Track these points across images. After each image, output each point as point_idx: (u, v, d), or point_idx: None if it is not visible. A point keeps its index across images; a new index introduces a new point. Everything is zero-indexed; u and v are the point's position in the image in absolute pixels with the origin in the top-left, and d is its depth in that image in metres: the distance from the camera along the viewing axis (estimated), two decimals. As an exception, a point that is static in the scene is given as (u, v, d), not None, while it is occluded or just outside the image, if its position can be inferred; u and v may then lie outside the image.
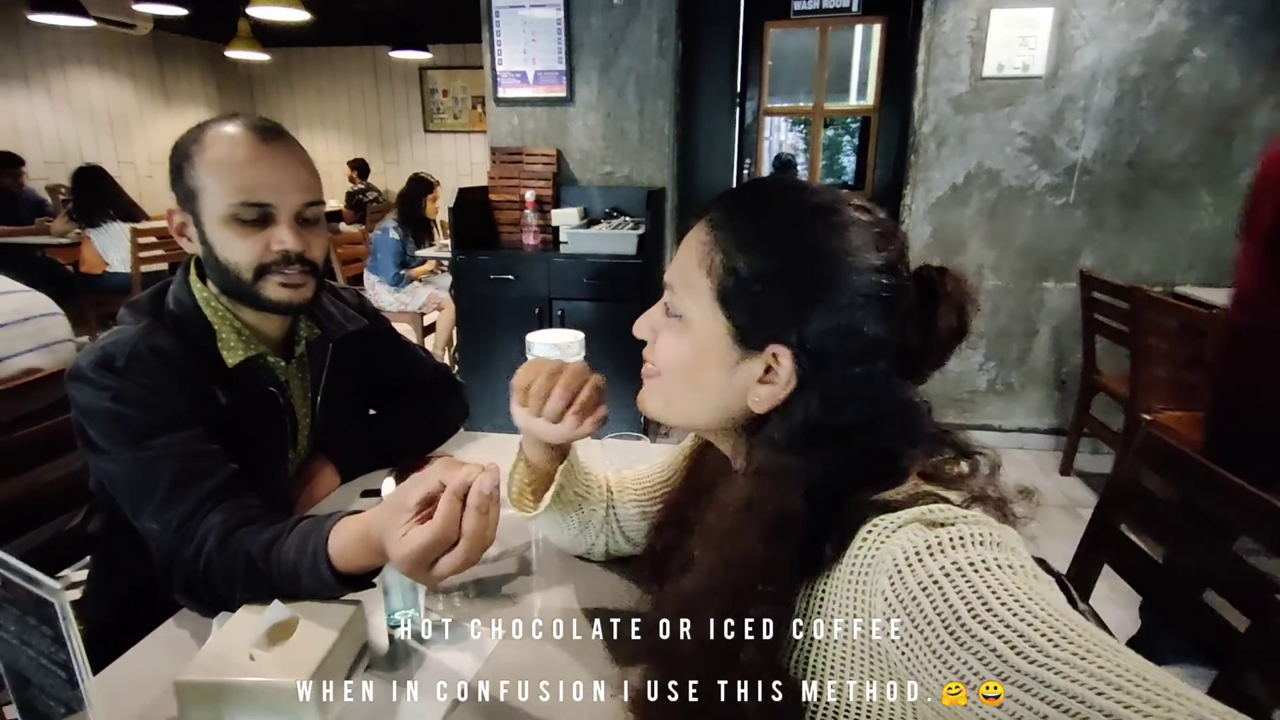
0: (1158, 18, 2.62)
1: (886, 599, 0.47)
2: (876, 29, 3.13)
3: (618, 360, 3.11)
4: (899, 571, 0.47)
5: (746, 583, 0.53)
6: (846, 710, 0.52)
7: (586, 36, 3.03)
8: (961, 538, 0.47)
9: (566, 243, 2.92)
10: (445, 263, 4.08)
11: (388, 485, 0.78)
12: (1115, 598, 1.07)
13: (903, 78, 3.05)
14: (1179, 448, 1.03)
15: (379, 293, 3.92)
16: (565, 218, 3.00)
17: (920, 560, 0.46)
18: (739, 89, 3.28)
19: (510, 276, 2.85)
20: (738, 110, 3.31)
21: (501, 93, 3.15)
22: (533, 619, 0.81)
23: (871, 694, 0.50)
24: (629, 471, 0.90)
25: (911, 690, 0.48)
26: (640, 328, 0.65)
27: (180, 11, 4.50)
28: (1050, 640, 0.41)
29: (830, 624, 0.52)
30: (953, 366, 3.16)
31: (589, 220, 3.07)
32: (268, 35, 5.55)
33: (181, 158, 0.91)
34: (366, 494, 1.08)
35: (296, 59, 7.37)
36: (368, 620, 0.75)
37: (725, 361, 0.57)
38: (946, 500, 0.51)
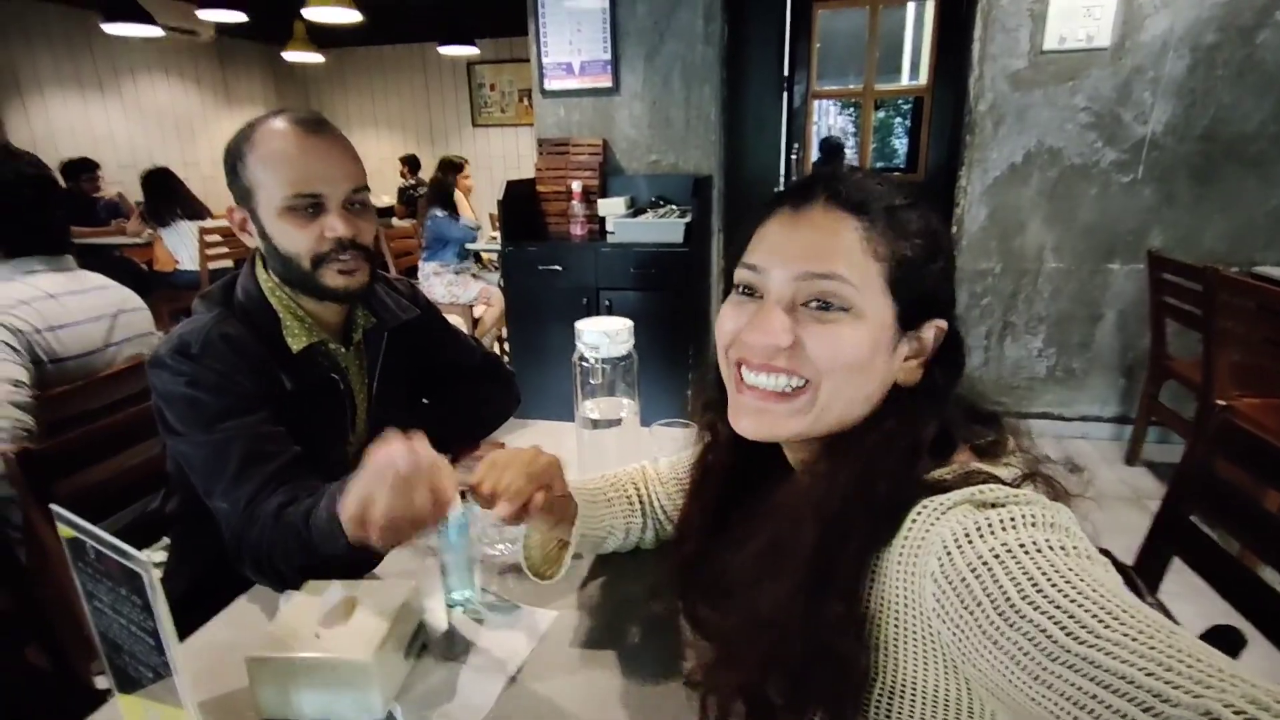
0: (1235, -19, 2.47)
1: (936, 580, 0.47)
2: (929, 5, 3.03)
3: (665, 348, 3.10)
4: (948, 553, 0.47)
5: (841, 535, 0.53)
6: (902, 692, 0.52)
7: (631, 25, 3.02)
8: (1013, 519, 0.46)
9: (613, 232, 2.93)
10: (495, 257, 4.15)
11: (444, 470, 0.80)
12: (1184, 593, 1.02)
13: (957, 55, 2.94)
14: (1258, 434, 0.98)
15: (433, 285, 4.01)
16: (612, 207, 3.01)
17: (970, 542, 0.46)
18: (786, 73, 3.22)
19: (558, 267, 2.88)
20: (785, 94, 3.25)
21: (548, 85, 3.17)
22: (585, 600, 0.83)
23: (926, 676, 0.50)
24: (665, 461, 0.91)
25: (964, 673, 0.48)
26: (773, 333, 0.55)
27: (241, 17, 4.67)
28: (1101, 621, 0.40)
29: (882, 606, 0.52)
30: (1009, 352, 3.07)
31: (635, 209, 3.08)
32: (322, 36, 5.70)
33: (235, 157, 0.95)
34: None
35: (349, 59, 7.55)
36: (424, 601, 0.78)
37: (891, 345, 0.57)
38: (996, 478, 0.51)
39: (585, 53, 3.08)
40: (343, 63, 7.55)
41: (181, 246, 4.14)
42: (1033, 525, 0.46)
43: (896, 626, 0.51)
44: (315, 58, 5.85)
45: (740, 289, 0.60)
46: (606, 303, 2.81)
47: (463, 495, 0.85)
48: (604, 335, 0.99)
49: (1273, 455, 0.94)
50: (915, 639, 0.50)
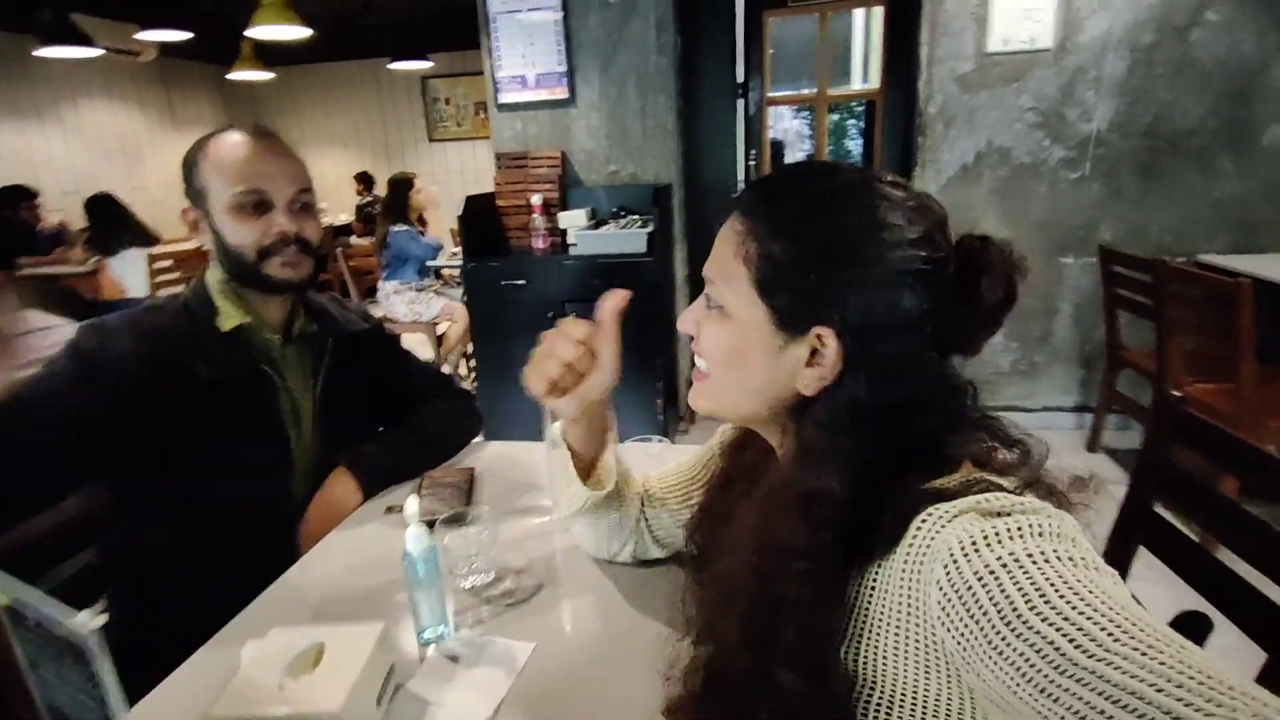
0: (1167, -18, 2.56)
1: (942, 589, 0.46)
2: (877, 11, 3.09)
3: (632, 359, 3.06)
4: (954, 562, 0.46)
5: (780, 562, 0.53)
6: (903, 701, 0.51)
7: (585, 36, 3.02)
8: (1020, 528, 0.45)
9: (576, 244, 2.91)
10: (456, 273, 4.09)
11: (410, 503, 0.78)
12: (1153, 575, 1.04)
13: (906, 59, 3.00)
14: (1211, 421, 1.01)
15: (394, 303, 3.94)
16: (573, 219, 2.99)
17: (977, 550, 0.45)
18: (741, 80, 3.25)
19: (521, 281, 2.85)
20: (741, 101, 3.28)
21: (503, 98, 3.15)
22: (562, 630, 0.81)
23: (928, 686, 0.49)
24: (654, 474, 0.89)
25: (968, 682, 0.47)
26: (684, 323, 0.64)
27: (184, 36, 4.55)
28: (1110, 634, 0.39)
29: (883, 614, 0.51)
30: (972, 348, 3.12)
31: (597, 221, 3.06)
32: (271, 55, 5.60)
33: (191, 163, 1.05)
34: (391, 510, 1.08)
35: (300, 76, 7.42)
36: (396, 640, 0.75)
37: (769, 347, 0.57)
38: (1000, 487, 0.50)
39: (539, 65, 3.06)
40: (293, 81, 7.42)
41: (129, 274, 4.00)
42: (1040, 535, 0.45)
43: (897, 635, 0.50)
44: (264, 76, 5.75)
45: None
46: (572, 315, 2.79)
47: (430, 525, 0.82)
48: (570, 355, 0.97)
49: (1225, 441, 0.97)
50: (917, 648, 0.49)
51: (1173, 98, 2.66)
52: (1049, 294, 2.94)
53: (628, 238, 2.80)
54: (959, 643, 0.46)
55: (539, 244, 2.96)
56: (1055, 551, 0.44)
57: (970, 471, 0.53)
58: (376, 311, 4.14)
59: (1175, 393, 1.08)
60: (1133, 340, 2.65)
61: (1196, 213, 2.75)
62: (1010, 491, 0.50)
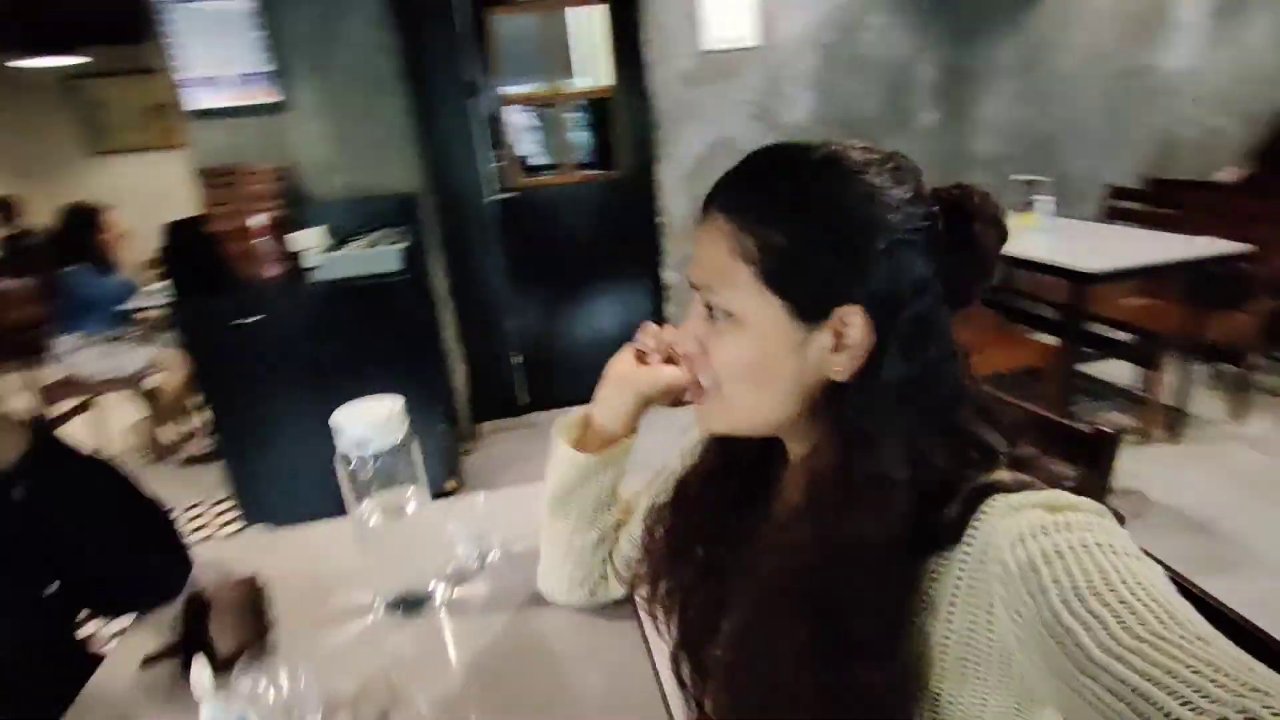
0: (837, -11, 2.97)
1: (1005, 567, 0.46)
2: (598, 10, 3.14)
3: (405, 391, 2.81)
4: (1022, 542, 0.46)
5: (852, 557, 0.51)
6: (950, 701, 0.50)
7: (292, 33, 2.66)
8: (1086, 522, 0.47)
9: (318, 267, 2.58)
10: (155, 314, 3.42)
11: (198, 670, 0.60)
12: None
13: (633, 57, 3.11)
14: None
15: (81, 361, 3.19)
16: (308, 239, 2.65)
17: (1045, 534, 0.46)
18: (473, 80, 3.11)
19: (254, 319, 2.45)
20: (477, 102, 3.15)
21: (194, 103, 2.67)
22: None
23: (976, 681, 0.49)
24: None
25: (1019, 670, 0.47)
26: (686, 342, 0.61)
27: None
28: (1160, 621, 0.41)
29: (944, 610, 0.50)
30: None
31: (340, 239, 2.75)
32: None
33: None
34: (149, 662, 0.84)
35: (-127, 77, 5.62)
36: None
37: (791, 344, 0.54)
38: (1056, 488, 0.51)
39: (239, 64, 2.65)
40: None
41: None
42: (1106, 531, 0.47)
43: (949, 624, 0.50)
44: None
45: None
46: (326, 348, 2.47)
47: (218, 669, 0.65)
48: (368, 426, 0.83)
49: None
50: (972, 636, 0.49)
51: (853, 89, 3.10)
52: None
53: (377, 256, 2.55)
54: (1014, 621, 0.46)
55: (271, 272, 2.57)
56: (1124, 547, 0.46)
57: (1018, 475, 0.54)
58: (57, 373, 3.31)
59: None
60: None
61: (883, 187, 3.26)
62: (1071, 491, 0.51)
